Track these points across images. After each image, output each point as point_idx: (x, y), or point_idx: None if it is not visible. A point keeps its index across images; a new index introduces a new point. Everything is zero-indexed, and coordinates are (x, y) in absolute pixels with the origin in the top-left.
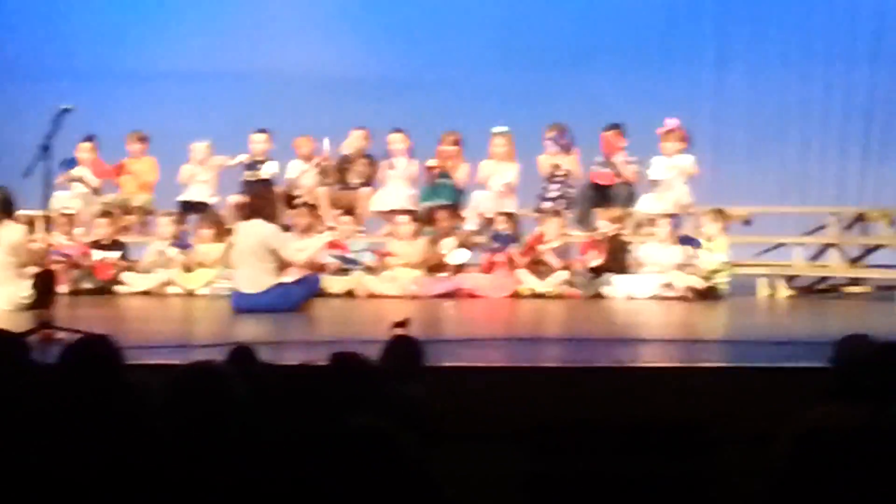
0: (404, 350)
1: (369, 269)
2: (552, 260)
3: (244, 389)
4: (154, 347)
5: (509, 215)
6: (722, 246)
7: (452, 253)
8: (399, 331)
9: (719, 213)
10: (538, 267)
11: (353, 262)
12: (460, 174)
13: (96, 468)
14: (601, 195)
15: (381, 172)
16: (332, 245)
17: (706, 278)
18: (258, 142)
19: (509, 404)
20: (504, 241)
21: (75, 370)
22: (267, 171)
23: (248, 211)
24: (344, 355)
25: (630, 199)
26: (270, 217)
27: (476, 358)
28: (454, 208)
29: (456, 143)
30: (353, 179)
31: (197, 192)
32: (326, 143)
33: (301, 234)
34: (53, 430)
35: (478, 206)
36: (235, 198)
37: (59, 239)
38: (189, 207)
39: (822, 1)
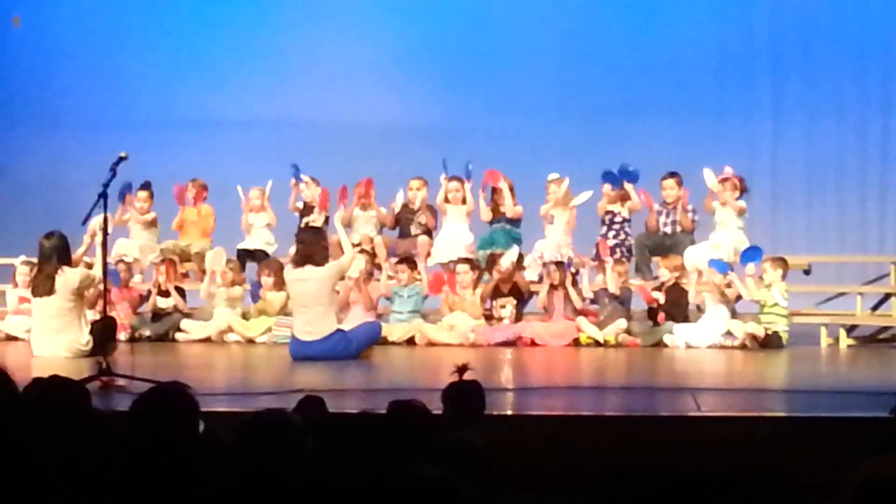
0: (464, 395)
1: (428, 317)
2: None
3: (311, 438)
4: (214, 395)
5: (559, 264)
6: (781, 293)
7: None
8: (459, 376)
9: (780, 262)
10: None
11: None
12: (515, 212)
13: None
14: (661, 243)
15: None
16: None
17: (766, 326)
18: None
19: (570, 453)
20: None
21: (152, 418)
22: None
23: (300, 258)
24: (400, 403)
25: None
26: (322, 264)
27: (537, 406)
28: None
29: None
30: (414, 228)
31: (254, 240)
32: (400, 194)
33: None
34: (118, 479)
35: (539, 253)
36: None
37: (118, 285)
38: (247, 255)
39: (877, 50)
